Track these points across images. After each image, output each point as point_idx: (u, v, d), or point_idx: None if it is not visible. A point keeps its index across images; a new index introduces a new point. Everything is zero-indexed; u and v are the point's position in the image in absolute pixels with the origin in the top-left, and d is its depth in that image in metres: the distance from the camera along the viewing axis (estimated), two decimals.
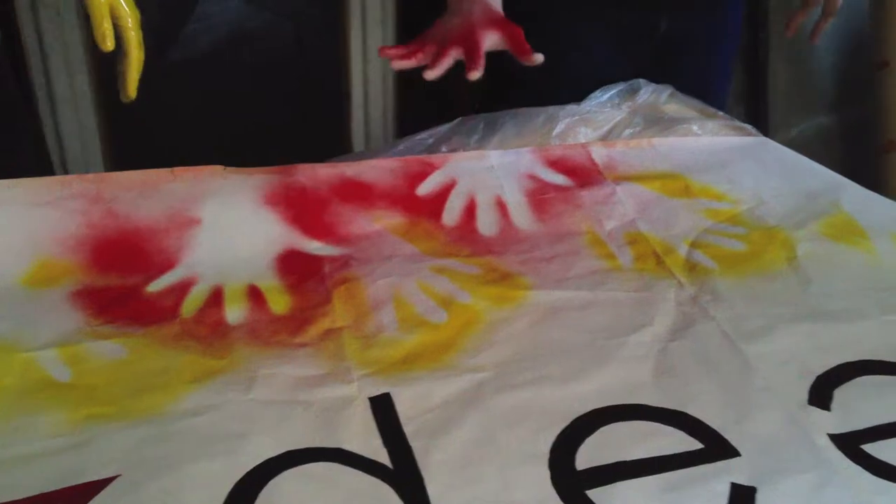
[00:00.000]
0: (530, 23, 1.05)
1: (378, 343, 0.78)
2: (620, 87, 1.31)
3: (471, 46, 0.96)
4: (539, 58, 0.96)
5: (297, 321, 0.81)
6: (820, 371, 0.76)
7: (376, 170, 1.01)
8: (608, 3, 1.26)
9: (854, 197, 1.03)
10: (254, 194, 0.95)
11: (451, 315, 0.82)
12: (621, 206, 1.00)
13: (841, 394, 0.74)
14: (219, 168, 0.96)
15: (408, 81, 1.74)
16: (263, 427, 0.68)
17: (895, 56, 1.46)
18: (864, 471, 0.66)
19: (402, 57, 0.98)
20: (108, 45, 0.93)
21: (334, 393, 0.72)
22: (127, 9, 0.93)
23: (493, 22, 1.00)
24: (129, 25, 0.93)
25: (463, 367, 0.76)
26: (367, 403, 0.71)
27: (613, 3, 1.26)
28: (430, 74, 0.94)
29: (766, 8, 1.94)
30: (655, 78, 1.30)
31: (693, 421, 0.71)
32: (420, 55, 0.98)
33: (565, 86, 1.20)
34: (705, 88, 1.35)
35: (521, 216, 0.98)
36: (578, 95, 1.20)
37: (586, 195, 1.01)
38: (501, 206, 0.99)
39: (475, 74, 0.91)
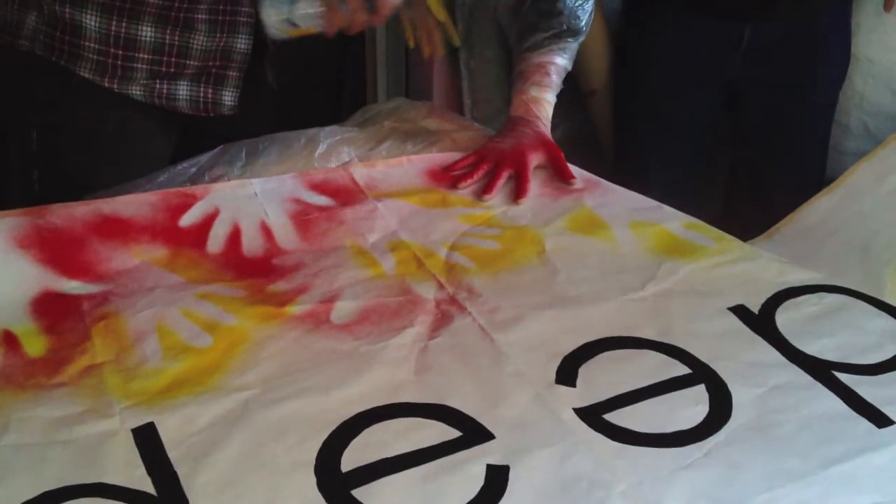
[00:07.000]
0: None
1: (141, 374, 0.78)
2: (382, 105, 1.36)
3: (520, 168, 1.12)
4: (576, 182, 1.12)
5: (54, 362, 0.79)
6: (566, 352, 0.82)
7: (135, 205, 1.00)
8: (693, 13, 1.39)
9: (595, 193, 1.11)
10: (4, 238, 0.92)
11: (217, 338, 0.83)
12: (383, 220, 1.04)
13: (585, 370, 0.80)
14: None
15: None
16: (17, 471, 0.66)
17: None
18: (605, 438, 0.72)
19: (465, 178, 1.11)
20: None
21: (95, 429, 0.71)
22: None
23: (541, 144, 1.16)
24: None
25: (229, 387, 0.77)
26: (130, 435, 0.71)
27: (698, 13, 1.39)
28: (487, 198, 1.08)
29: None
30: (747, 85, 1.43)
31: (452, 412, 0.75)
32: (479, 173, 1.12)
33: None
34: (803, 98, 1.44)
35: (286, 237, 1.00)
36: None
37: (349, 212, 1.04)
38: (265, 230, 1.00)
39: (523, 200, 1.08)
